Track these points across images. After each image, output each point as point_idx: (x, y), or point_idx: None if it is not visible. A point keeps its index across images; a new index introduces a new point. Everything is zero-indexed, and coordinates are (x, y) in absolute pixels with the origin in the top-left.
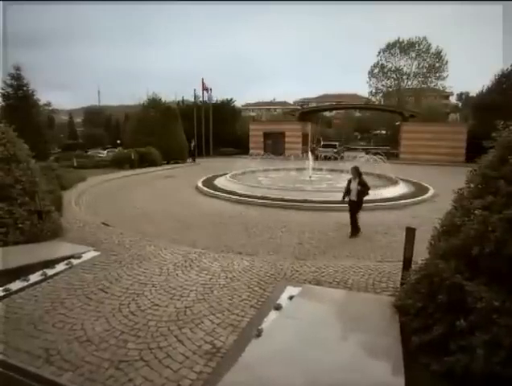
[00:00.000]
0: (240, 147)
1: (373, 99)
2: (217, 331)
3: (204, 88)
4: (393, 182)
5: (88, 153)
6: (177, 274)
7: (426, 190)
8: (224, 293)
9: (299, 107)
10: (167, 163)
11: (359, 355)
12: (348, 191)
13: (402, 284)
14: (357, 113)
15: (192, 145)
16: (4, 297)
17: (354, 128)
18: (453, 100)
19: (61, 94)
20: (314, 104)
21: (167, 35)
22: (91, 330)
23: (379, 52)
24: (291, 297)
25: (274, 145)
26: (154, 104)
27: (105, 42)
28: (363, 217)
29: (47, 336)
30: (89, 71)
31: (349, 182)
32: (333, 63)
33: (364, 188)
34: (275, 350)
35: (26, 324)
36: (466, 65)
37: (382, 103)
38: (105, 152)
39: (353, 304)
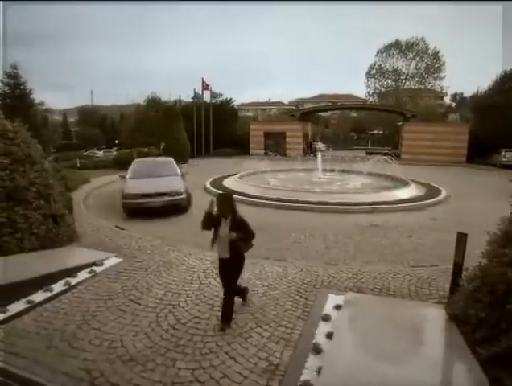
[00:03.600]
0: (240, 147)
1: (371, 99)
2: (269, 346)
3: (205, 88)
4: (404, 183)
5: (85, 153)
6: (210, 282)
7: (437, 191)
8: (265, 302)
9: (294, 107)
10: None
11: (437, 370)
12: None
13: (452, 291)
14: (354, 114)
15: (162, 147)
16: (29, 309)
17: (351, 128)
18: (447, 100)
19: (53, 94)
20: (310, 105)
21: (160, 35)
22: (132, 348)
23: (377, 53)
24: (336, 307)
25: (275, 146)
26: (154, 103)
27: (100, 41)
28: (381, 219)
29: (86, 355)
30: (82, 71)
31: (208, 216)
32: (329, 64)
33: (242, 235)
34: (339, 367)
35: (60, 341)
36: (459, 65)
37: (378, 103)
38: (101, 152)
39: (405, 313)
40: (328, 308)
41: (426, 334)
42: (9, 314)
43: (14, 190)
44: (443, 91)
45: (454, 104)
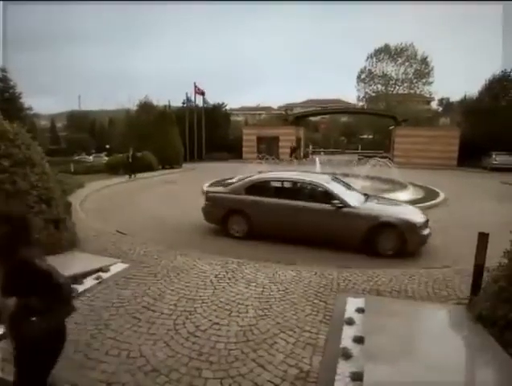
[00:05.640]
0: (232, 152)
1: (361, 104)
2: (297, 352)
3: (197, 92)
4: (403, 185)
5: (76, 158)
6: (224, 287)
7: (435, 193)
8: (284, 307)
9: (283, 112)
10: (163, 168)
11: (480, 373)
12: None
13: (474, 292)
14: (343, 118)
15: (130, 154)
16: None
17: (341, 132)
18: (434, 105)
19: (39, 98)
20: (299, 109)
21: (148, 40)
22: (153, 357)
23: (367, 58)
24: (358, 310)
25: (268, 150)
26: (147, 107)
27: (88, 44)
28: None
29: (104, 367)
30: (69, 75)
31: None
32: (319, 68)
33: (34, 300)
34: (382, 373)
35: (75, 352)
36: (447, 70)
37: (366, 107)
38: (91, 157)
39: (429, 316)
40: (350, 311)
41: (456, 336)
42: None
43: (15, 193)
44: (432, 96)
45: (441, 109)
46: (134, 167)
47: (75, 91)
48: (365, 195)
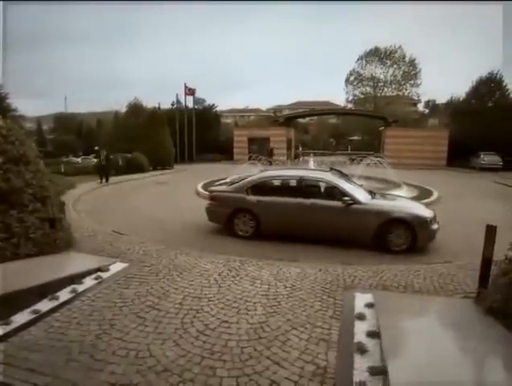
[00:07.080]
0: (223, 153)
1: (350, 105)
2: (311, 348)
3: (188, 93)
4: (396, 185)
5: (65, 160)
6: (229, 285)
7: (429, 192)
8: (293, 304)
9: (272, 114)
10: (154, 169)
11: (503, 366)
12: None
13: (483, 286)
14: (332, 120)
15: (102, 156)
16: (36, 320)
17: (330, 134)
18: (421, 107)
19: (28, 100)
20: (288, 111)
21: (135, 41)
22: (163, 357)
23: (357, 60)
24: (367, 305)
25: (260, 151)
26: (136, 109)
27: (81, 46)
28: None
29: (113, 368)
30: (59, 77)
31: None
32: (307, 70)
33: None
34: (406, 368)
35: (79, 354)
36: (447, 70)
37: (361, 109)
38: (79, 159)
39: (440, 310)
40: (359, 307)
41: (471, 330)
42: (14, 325)
43: (9, 191)
44: (419, 97)
45: (427, 111)
46: (107, 171)
47: (64, 93)
48: (369, 191)
